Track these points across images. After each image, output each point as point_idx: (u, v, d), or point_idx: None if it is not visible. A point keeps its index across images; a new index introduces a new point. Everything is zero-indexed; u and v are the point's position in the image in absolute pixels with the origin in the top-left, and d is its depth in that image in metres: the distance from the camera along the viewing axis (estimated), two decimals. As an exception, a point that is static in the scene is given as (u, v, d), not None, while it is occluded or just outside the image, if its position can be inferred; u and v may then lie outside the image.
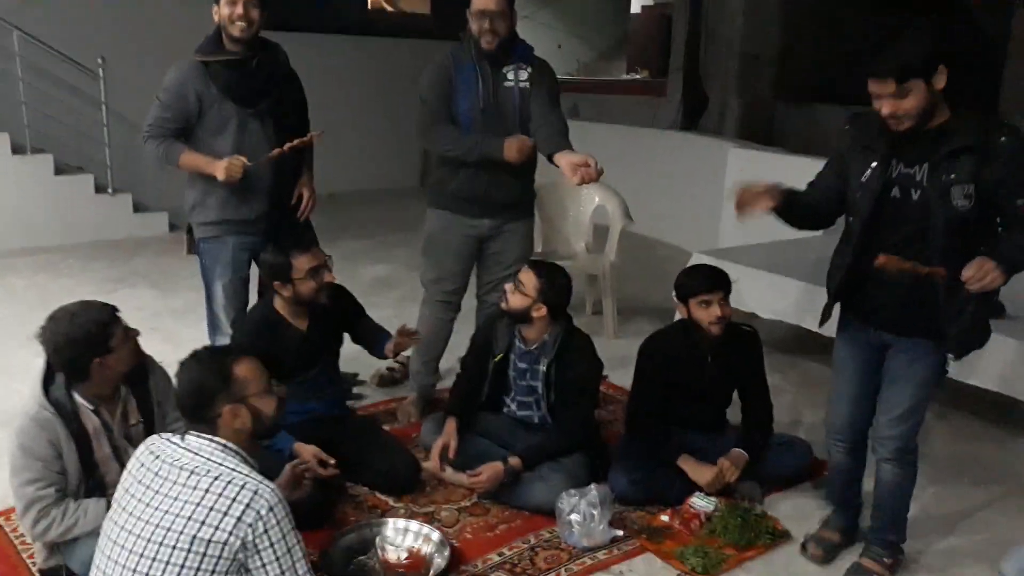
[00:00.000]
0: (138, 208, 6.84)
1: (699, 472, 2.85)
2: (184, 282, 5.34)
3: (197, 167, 3.09)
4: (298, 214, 3.31)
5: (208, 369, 1.86)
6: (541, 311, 2.91)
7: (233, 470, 1.75)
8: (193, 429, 1.84)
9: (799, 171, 5.62)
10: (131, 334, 2.31)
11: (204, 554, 1.67)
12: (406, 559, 2.51)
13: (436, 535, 2.57)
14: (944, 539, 2.81)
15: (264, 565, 1.70)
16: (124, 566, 1.72)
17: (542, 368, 2.96)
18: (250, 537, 1.68)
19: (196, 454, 1.78)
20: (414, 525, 2.62)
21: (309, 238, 3.22)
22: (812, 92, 8.43)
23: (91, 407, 2.31)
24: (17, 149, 6.29)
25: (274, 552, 1.70)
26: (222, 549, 1.67)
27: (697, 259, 4.27)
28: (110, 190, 6.72)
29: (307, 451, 2.73)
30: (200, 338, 3.21)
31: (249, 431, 1.87)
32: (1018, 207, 2.16)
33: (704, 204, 6.62)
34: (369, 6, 9.38)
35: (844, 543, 2.70)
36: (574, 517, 2.62)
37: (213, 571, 1.68)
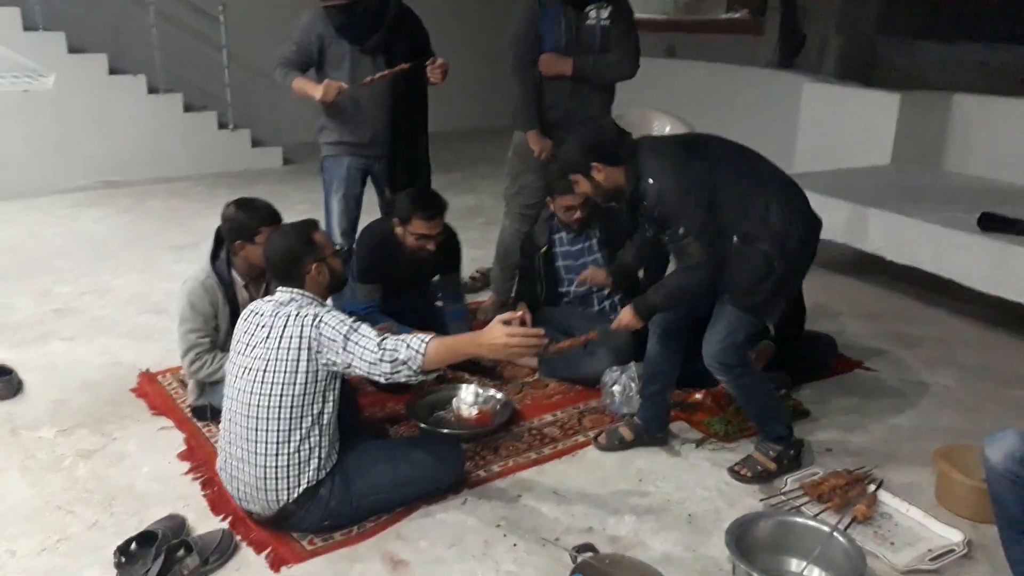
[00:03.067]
0: (256, 143, 7.56)
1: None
2: (297, 207, 5.98)
3: (303, 90, 3.63)
4: (430, 74, 3.60)
5: (295, 236, 2.41)
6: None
7: (308, 306, 2.29)
8: (282, 286, 2.38)
9: (871, 104, 5.87)
10: None
11: (296, 371, 2.23)
12: (476, 415, 3.04)
13: (501, 395, 3.10)
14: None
15: (330, 336, 2.21)
16: (243, 390, 2.31)
17: (595, 238, 3.50)
18: (315, 334, 2.22)
19: (281, 304, 2.33)
20: (485, 392, 3.12)
21: (423, 174, 3.83)
22: (916, 30, 8.28)
23: (243, 282, 2.93)
24: (152, 89, 7.08)
25: (332, 324, 2.22)
26: (308, 353, 2.22)
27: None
28: (231, 126, 7.45)
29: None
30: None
31: (328, 283, 2.42)
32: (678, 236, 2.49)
33: (778, 137, 6.81)
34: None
35: (637, 443, 2.86)
36: (616, 388, 3.09)
37: (306, 382, 2.24)
